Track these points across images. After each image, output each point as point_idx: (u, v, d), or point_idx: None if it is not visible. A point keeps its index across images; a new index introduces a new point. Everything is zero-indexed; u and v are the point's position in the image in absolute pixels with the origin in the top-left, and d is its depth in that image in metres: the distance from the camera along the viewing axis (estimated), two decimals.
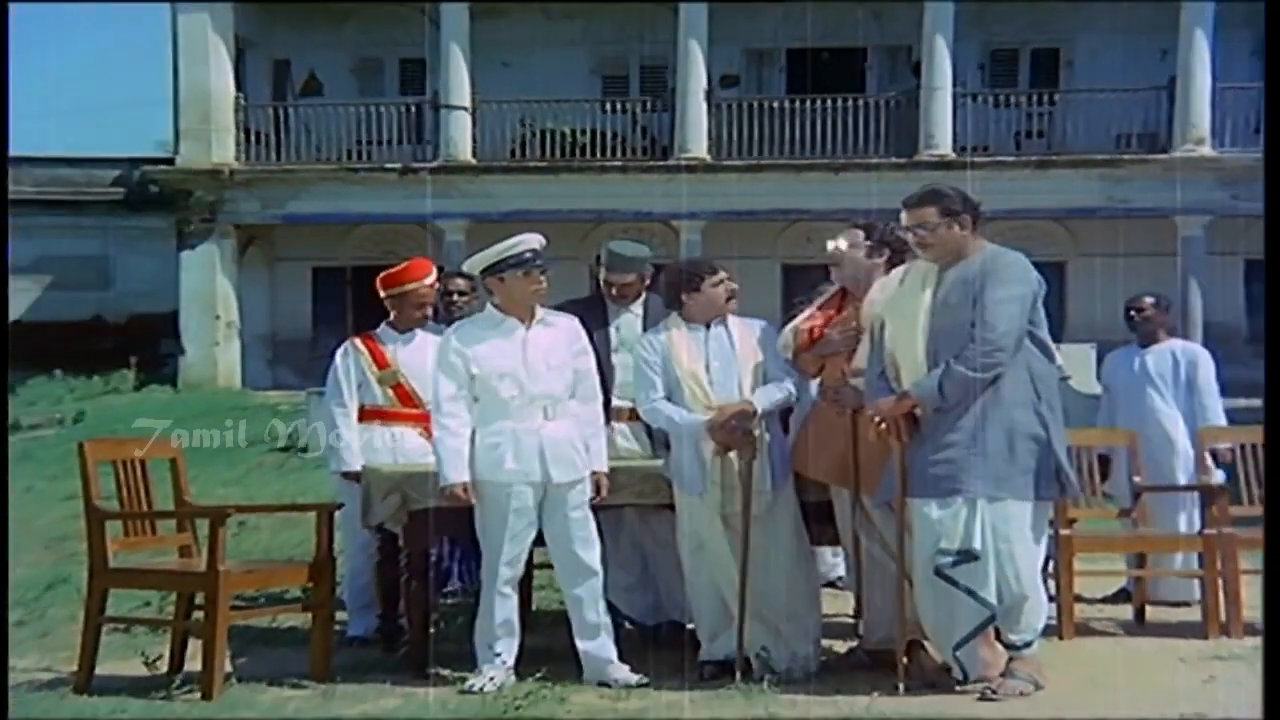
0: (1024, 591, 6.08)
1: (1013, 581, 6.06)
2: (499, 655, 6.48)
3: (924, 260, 6.33)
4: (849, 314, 6.64)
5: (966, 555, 6.04)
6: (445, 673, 6.65)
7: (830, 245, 6.77)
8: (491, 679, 6.39)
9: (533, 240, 6.65)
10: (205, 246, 25.10)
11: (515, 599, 6.63)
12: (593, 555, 6.62)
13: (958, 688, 6.16)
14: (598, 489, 6.64)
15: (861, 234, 6.69)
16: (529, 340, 6.60)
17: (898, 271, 6.50)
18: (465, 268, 6.96)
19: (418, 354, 7.85)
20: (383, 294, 8.01)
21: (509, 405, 6.53)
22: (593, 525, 6.64)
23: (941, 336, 6.13)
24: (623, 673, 6.51)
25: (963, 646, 6.16)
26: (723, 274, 6.83)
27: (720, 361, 6.71)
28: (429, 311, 8.05)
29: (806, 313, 6.85)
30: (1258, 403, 14.25)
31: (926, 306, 6.21)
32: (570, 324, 6.82)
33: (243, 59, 26.17)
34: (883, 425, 6.20)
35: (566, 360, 6.65)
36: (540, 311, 6.71)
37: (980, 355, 6.02)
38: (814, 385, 6.93)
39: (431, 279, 8.04)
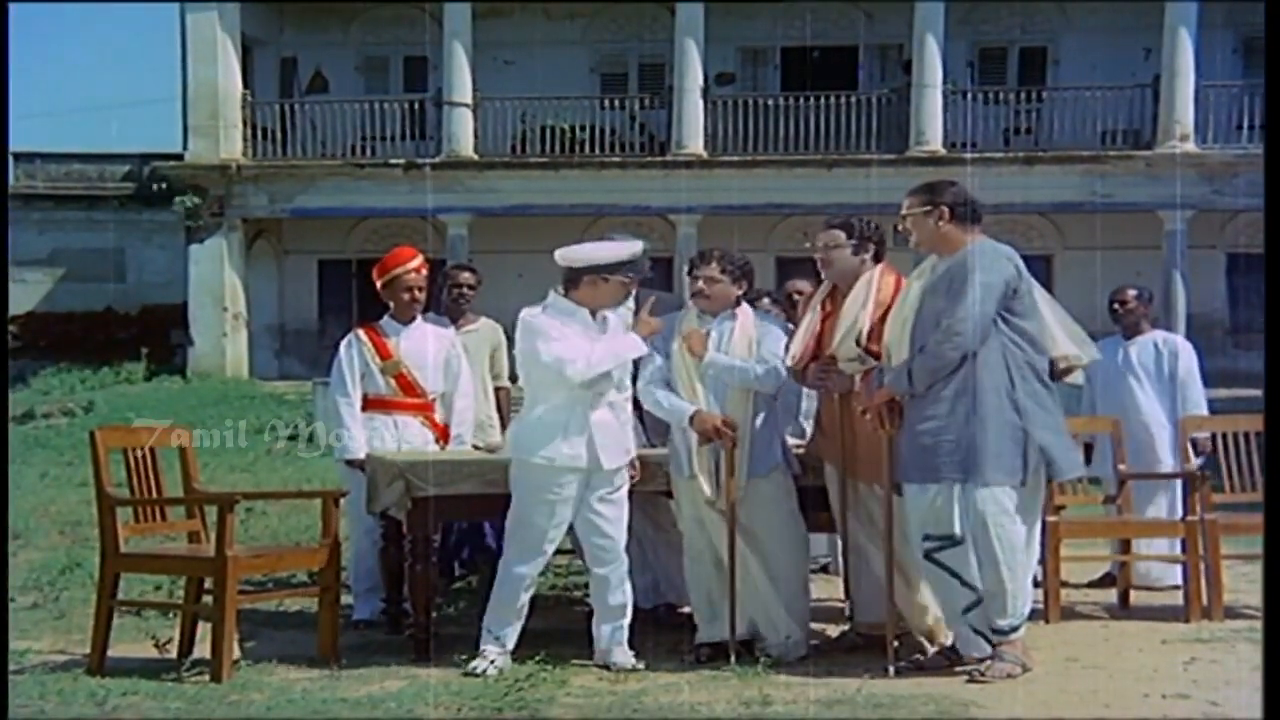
0: (1003, 575, 6.13)
1: (991, 565, 6.13)
2: (499, 639, 6.55)
3: (920, 252, 6.50)
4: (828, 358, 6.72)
5: (949, 540, 6.14)
6: (449, 655, 6.69)
7: (817, 246, 6.80)
8: (492, 661, 6.45)
9: (639, 246, 6.76)
10: (214, 240, 25.36)
11: (533, 584, 6.72)
12: (621, 537, 6.66)
13: (946, 670, 6.25)
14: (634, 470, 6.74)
15: (842, 233, 6.72)
16: (598, 332, 6.66)
17: (882, 266, 6.70)
18: (561, 258, 6.73)
19: (419, 344, 7.97)
20: (378, 285, 8.07)
21: (563, 392, 6.56)
22: (625, 509, 6.69)
23: (921, 327, 6.22)
24: (623, 656, 6.58)
25: (957, 624, 6.29)
26: (710, 268, 6.85)
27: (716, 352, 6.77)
28: (420, 296, 8.04)
29: (804, 326, 6.84)
30: (1238, 392, 14.77)
31: (916, 296, 6.32)
32: (622, 317, 6.90)
33: (250, 57, 26.47)
34: (868, 416, 6.40)
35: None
36: None
37: (940, 341, 6.12)
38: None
39: (416, 263, 8.01)
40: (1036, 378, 6.25)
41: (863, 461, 6.61)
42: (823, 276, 6.86)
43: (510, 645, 6.59)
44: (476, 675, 6.37)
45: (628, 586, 6.69)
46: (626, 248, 6.73)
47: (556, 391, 6.57)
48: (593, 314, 6.67)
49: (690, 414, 6.67)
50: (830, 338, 6.69)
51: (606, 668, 6.53)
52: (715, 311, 6.85)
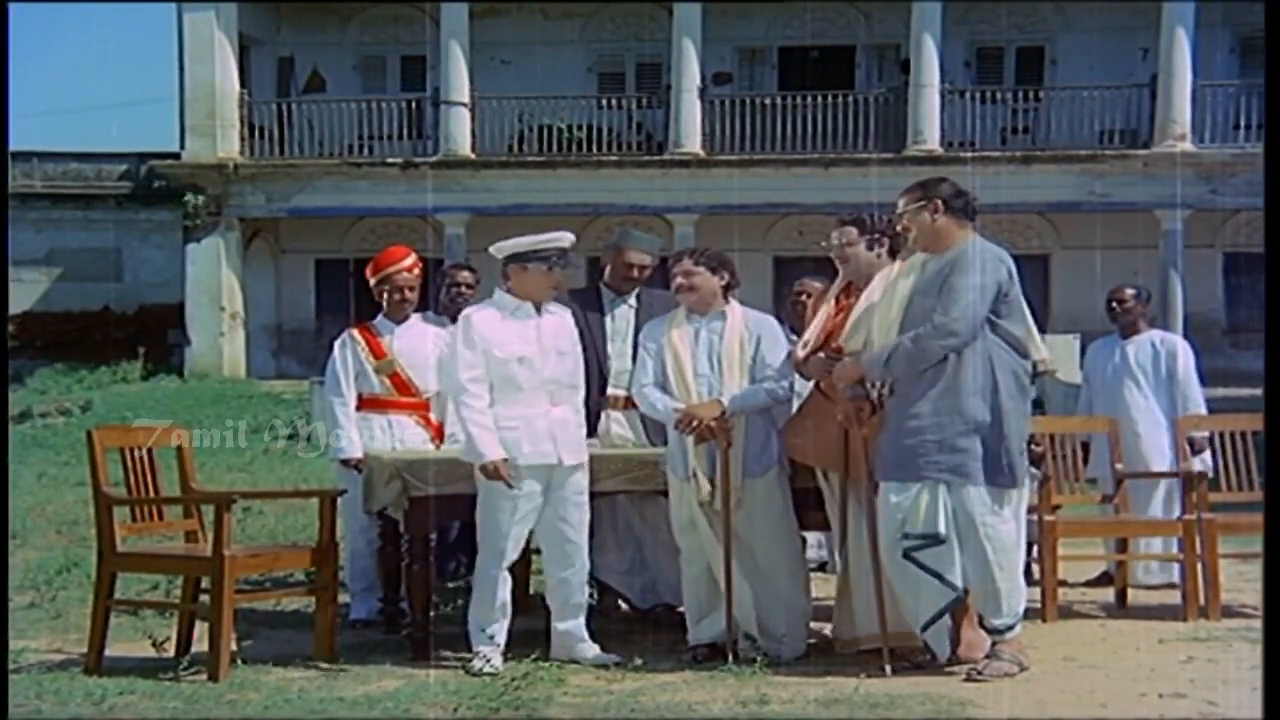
0: (994, 574, 6.12)
1: (981, 565, 6.12)
2: (492, 637, 6.56)
3: (919, 251, 6.47)
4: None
5: (932, 539, 6.12)
6: (446, 654, 6.70)
7: (832, 243, 6.77)
8: (488, 660, 6.47)
9: (565, 239, 6.75)
10: (211, 239, 25.39)
11: (510, 580, 6.73)
12: (584, 539, 6.70)
13: (943, 670, 6.21)
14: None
15: (855, 230, 6.71)
16: (542, 326, 6.68)
17: (904, 263, 6.67)
18: (493, 250, 6.79)
19: (414, 343, 7.96)
20: (371, 283, 8.10)
21: (521, 389, 6.60)
22: (587, 511, 6.75)
23: (910, 322, 6.22)
24: (593, 651, 6.64)
25: (929, 628, 6.23)
26: (683, 263, 6.85)
27: (706, 354, 6.77)
28: (410, 296, 8.04)
29: (819, 319, 6.81)
30: (1235, 392, 14.79)
31: (904, 295, 6.32)
32: (567, 314, 6.89)
33: (247, 56, 26.43)
34: (840, 416, 6.39)
35: (570, 348, 6.77)
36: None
37: (932, 336, 6.12)
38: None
39: (408, 262, 8.03)
40: (1016, 382, 6.26)
41: (859, 460, 6.55)
42: (842, 273, 6.83)
43: (502, 642, 6.60)
44: (475, 675, 6.38)
45: (585, 586, 6.78)
46: (551, 236, 6.75)
47: (512, 390, 6.62)
48: (538, 308, 6.69)
49: (676, 417, 6.67)
50: (841, 331, 6.66)
51: (604, 666, 6.53)
52: (704, 309, 6.83)
